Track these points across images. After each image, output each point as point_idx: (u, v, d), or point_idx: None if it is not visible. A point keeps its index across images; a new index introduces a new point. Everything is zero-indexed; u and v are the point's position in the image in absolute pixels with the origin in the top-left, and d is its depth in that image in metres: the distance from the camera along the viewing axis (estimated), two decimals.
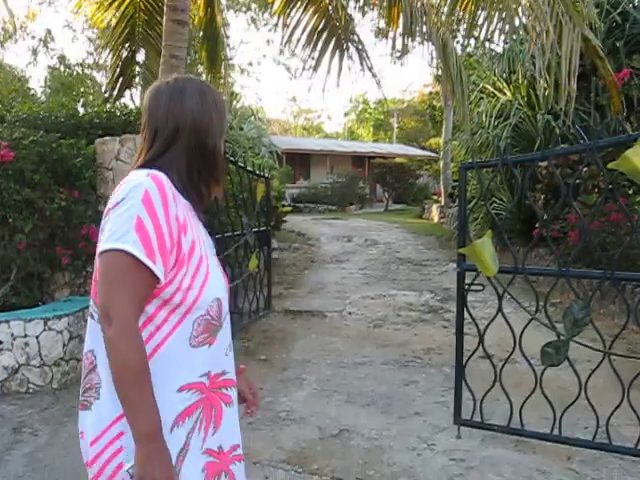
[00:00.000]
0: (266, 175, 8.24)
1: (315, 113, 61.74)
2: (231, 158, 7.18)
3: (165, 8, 6.41)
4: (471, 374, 4.57)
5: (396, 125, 46.94)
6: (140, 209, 1.51)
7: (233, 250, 7.08)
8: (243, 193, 7.53)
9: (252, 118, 20.87)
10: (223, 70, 9.65)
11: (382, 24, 8.59)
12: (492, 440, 4.32)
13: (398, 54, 26.14)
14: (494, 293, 4.23)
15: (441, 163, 21.53)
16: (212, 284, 1.65)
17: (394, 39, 8.12)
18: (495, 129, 11.02)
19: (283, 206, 23.12)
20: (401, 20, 7.47)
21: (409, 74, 79.11)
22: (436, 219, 21.02)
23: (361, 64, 7.86)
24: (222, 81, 9.80)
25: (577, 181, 9.78)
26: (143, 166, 1.66)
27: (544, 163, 10.11)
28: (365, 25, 47.74)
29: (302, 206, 27.68)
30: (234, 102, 20.82)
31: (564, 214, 9.72)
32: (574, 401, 3.93)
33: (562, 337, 3.84)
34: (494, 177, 5.22)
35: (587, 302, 3.81)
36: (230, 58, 30.49)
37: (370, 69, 7.84)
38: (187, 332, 1.60)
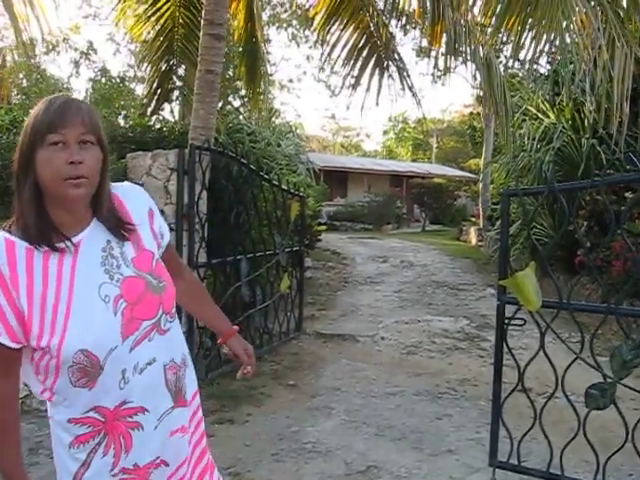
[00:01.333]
0: (301, 194, 8.07)
1: (354, 131, 61.65)
2: (265, 176, 7.03)
3: (202, 22, 6.31)
4: (508, 409, 4.32)
5: (435, 145, 46.67)
6: None
7: (265, 270, 6.91)
8: (277, 211, 7.36)
9: (290, 135, 20.81)
10: (263, 85, 9.55)
11: (424, 42, 8.41)
12: None
13: (439, 74, 25.97)
14: (533, 321, 3.97)
15: (480, 185, 21.18)
16: (73, 337, 1.58)
17: (436, 58, 7.94)
18: (538, 152, 10.73)
19: (319, 224, 23.02)
20: (444, 39, 7.29)
21: (449, 94, 78.83)
22: (474, 242, 20.66)
23: (401, 83, 7.70)
24: (262, 97, 9.71)
25: (622, 208, 9.46)
26: None
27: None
28: (406, 44, 47.68)
29: (338, 224, 27.51)
30: (273, 118, 20.78)
31: (607, 243, 9.39)
32: (620, 448, 3.65)
33: (608, 379, 3.58)
34: (539, 205, 4.96)
35: (638, 343, 3.55)
36: (271, 74, 30.58)
37: (410, 88, 7.67)
38: (66, 377, 1.62)
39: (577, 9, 5.12)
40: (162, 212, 5.45)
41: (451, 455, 4.53)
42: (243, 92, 10.37)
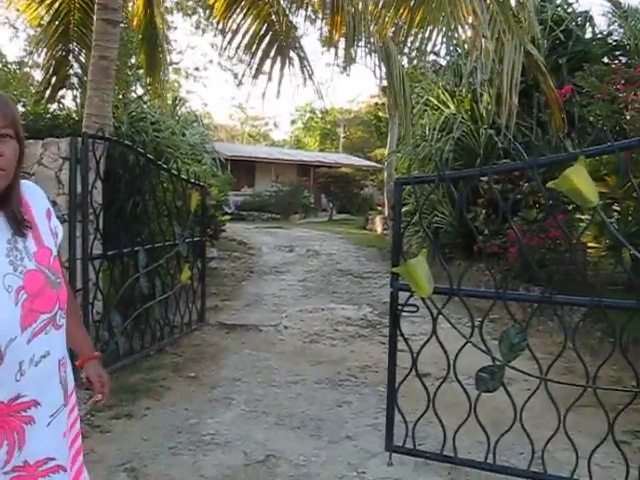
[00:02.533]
0: (202, 183, 7.95)
1: (262, 120, 61.31)
2: (164, 165, 6.89)
3: (96, 6, 6.11)
4: (406, 394, 4.42)
5: (343, 135, 47.01)
6: None
7: (164, 261, 6.79)
8: (176, 201, 7.24)
9: (196, 124, 20.52)
10: (163, 73, 9.35)
11: (327, 32, 8.42)
12: (425, 467, 4.14)
13: (344, 64, 26.15)
14: (426, 307, 4.04)
15: (385, 174, 21.48)
16: None
17: (336, 48, 7.98)
18: (438, 142, 10.96)
19: (225, 214, 22.83)
20: (344, 30, 7.32)
21: (357, 85, 79.52)
22: (379, 230, 20.95)
23: (302, 72, 7.68)
24: (162, 84, 9.53)
25: (518, 196, 9.77)
26: None
27: (484, 178, 10.08)
28: (312, 34, 47.79)
29: (246, 214, 27.40)
30: (178, 107, 20.44)
31: (505, 229, 9.69)
32: (509, 429, 3.77)
33: (497, 362, 3.69)
34: (431, 192, 5.07)
35: (524, 326, 3.67)
36: (177, 62, 30.05)
37: (310, 77, 7.66)
38: None
39: (463, 2, 5.23)
40: (54, 203, 5.30)
41: (350, 441, 4.57)
42: (148, 80, 10.07)
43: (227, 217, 14.97)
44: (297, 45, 7.81)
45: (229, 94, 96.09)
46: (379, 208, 25.15)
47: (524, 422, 3.70)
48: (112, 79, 6.08)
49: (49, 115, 6.97)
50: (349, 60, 7.51)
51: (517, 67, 5.87)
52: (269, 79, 8.28)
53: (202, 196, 7.82)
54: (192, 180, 7.66)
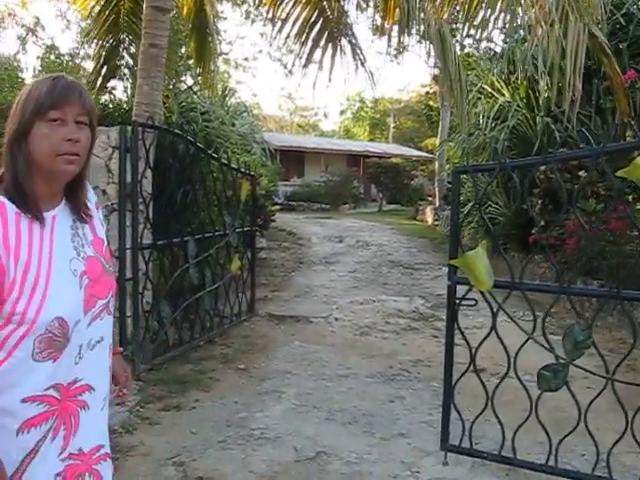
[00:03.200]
0: (252, 173, 7.86)
1: (312, 111, 61.25)
2: (214, 154, 6.81)
3: None
4: (461, 390, 4.25)
5: (392, 125, 46.61)
6: None
7: (214, 251, 6.72)
8: (226, 191, 7.16)
9: (245, 114, 20.50)
10: (213, 62, 9.28)
11: (379, 20, 8.24)
12: (482, 468, 3.97)
13: (395, 52, 25.84)
14: (485, 301, 3.86)
15: (436, 164, 21.18)
16: (52, 304, 1.61)
17: (389, 34, 7.79)
18: (492, 131, 10.68)
19: (274, 204, 22.78)
20: (397, 14, 7.13)
21: (407, 73, 78.75)
22: (430, 221, 20.67)
23: (354, 59, 7.51)
24: (212, 74, 9.46)
25: (576, 186, 9.46)
26: None
27: (541, 168, 9.78)
28: (362, 22, 47.40)
29: (295, 204, 27.34)
30: (228, 97, 20.45)
31: (562, 220, 9.39)
32: (572, 430, 3.58)
33: (561, 360, 3.50)
34: (491, 182, 4.86)
35: (589, 323, 3.47)
36: (226, 53, 30.11)
37: (363, 64, 7.48)
38: (29, 349, 1.60)
39: None
40: (104, 192, 5.26)
41: (403, 439, 4.43)
42: (198, 70, 10.03)
43: (277, 207, 14.89)
44: (349, 32, 7.64)
45: (278, 84, 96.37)
46: (429, 199, 24.87)
47: (588, 423, 3.51)
48: (162, 67, 6.01)
49: (99, 105, 6.93)
50: (401, 47, 7.33)
51: (581, 48, 5.60)
52: (319, 68, 8.15)
53: (252, 186, 7.73)
54: (242, 170, 7.56)
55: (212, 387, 5.36)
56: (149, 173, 5.62)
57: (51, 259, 1.65)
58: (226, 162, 7.05)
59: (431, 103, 27.71)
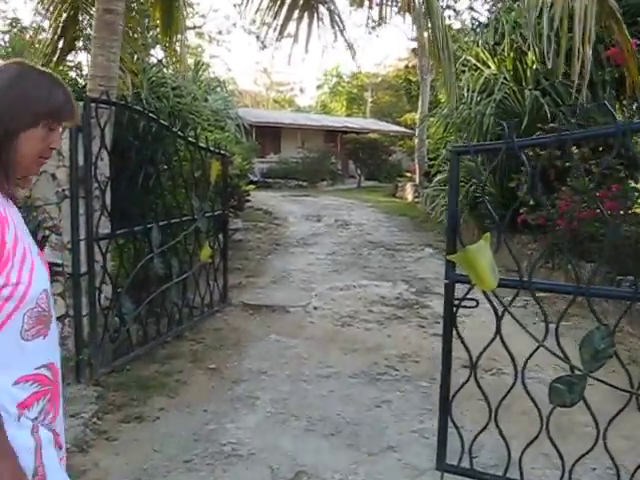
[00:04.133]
0: (222, 152, 7.27)
1: (288, 86, 60.34)
2: (180, 132, 6.21)
3: None
4: (453, 389, 3.75)
5: (370, 100, 45.93)
6: None
7: (182, 238, 6.15)
8: (194, 172, 6.59)
9: (219, 89, 19.80)
10: (180, 35, 8.62)
11: None
12: None
13: (374, 24, 25.17)
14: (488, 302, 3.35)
15: (416, 140, 20.63)
16: (39, 275, 1.59)
17: (370, 2, 7.22)
18: (478, 105, 10.14)
19: (250, 182, 22.13)
20: None
21: (384, 47, 77.81)
22: (410, 198, 20.17)
23: (332, 27, 6.91)
24: (178, 45, 8.82)
25: (566, 164, 8.99)
26: None
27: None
28: None
29: (272, 181, 26.76)
30: (201, 72, 19.75)
31: (552, 199, 8.93)
32: (589, 451, 3.09)
33: (577, 371, 3.01)
34: (497, 162, 4.27)
35: (611, 330, 2.97)
36: (199, 26, 29.27)
37: (342, 32, 6.89)
38: (17, 326, 1.54)
39: None
40: (53, 177, 4.66)
41: (392, 453, 3.93)
42: (165, 43, 9.38)
43: (252, 187, 14.29)
44: None
45: (254, 58, 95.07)
46: (409, 175, 24.33)
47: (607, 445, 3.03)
48: (119, 36, 5.37)
49: (68, 81, 6.31)
50: (382, 19, 6.77)
51: (590, 14, 5.05)
52: (295, 40, 7.58)
53: (223, 165, 7.15)
54: (212, 148, 6.97)
55: (179, 392, 4.82)
56: (105, 154, 4.99)
57: (28, 237, 1.64)
58: (193, 140, 6.45)
59: (410, 77, 27.08)
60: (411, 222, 15.35)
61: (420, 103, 19.92)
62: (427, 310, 7.41)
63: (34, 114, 1.58)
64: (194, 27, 28.66)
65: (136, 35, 11.87)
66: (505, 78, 10.03)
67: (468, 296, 3.34)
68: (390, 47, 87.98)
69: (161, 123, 5.74)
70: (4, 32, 17.22)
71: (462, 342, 3.37)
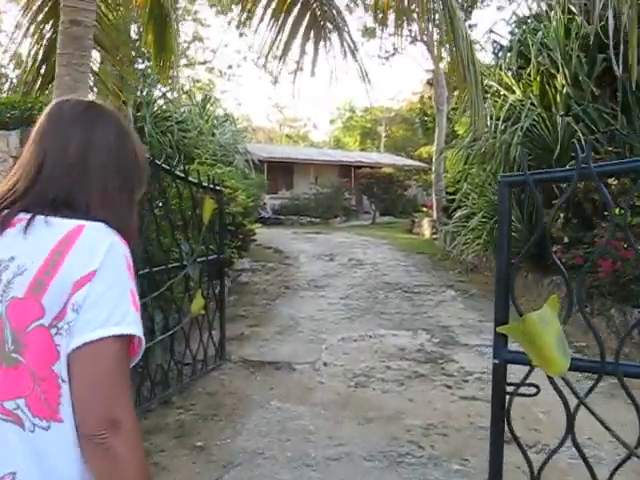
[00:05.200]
0: (217, 187, 6.41)
1: (301, 122, 60.12)
2: (165, 166, 5.34)
3: None
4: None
5: (384, 134, 45.32)
6: (129, 280, 1.33)
7: (167, 288, 5.27)
8: (184, 211, 5.73)
9: (227, 123, 19.13)
10: (173, 59, 7.85)
11: (369, 22, 6.86)
12: None
13: (387, 54, 24.53)
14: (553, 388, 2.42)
15: (433, 174, 19.79)
16: None
17: (383, 22, 6.45)
18: (503, 134, 9.27)
19: (260, 219, 21.35)
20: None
21: (397, 82, 77.62)
22: (427, 234, 19.26)
23: (341, 45, 6.09)
24: (173, 73, 8.05)
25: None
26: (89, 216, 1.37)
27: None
28: (351, 23, 46.28)
29: (284, 218, 26.01)
30: (208, 106, 19.12)
31: (591, 237, 8.02)
32: None
33: None
34: (569, 194, 3.34)
35: None
36: (209, 61, 28.81)
37: (352, 51, 6.06)
38: None
39: None
40: None
41: None
42: (157, 68, 8.65)
43: (257, 225, 13.46)
44: (334, 13, 6.22)
45: (265, 94, 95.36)
46: (425, 210, 23.46)
47: None
48: (88, 52, 4.56)
49: (24, 105, 5.54)
50: (395, 48, 5.94)
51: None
52: (298, 68, 6.82)
53: (219, 203, 6.28)
54: (204, 184, 6.12)
55: None
56: None
57: None
58: (182, 175, 5.60)
59: (425, 109, 26.35)
60: (429, 261, 14.43)
61: (436, 135, 19.12)
62: (453, 366, 6.48)
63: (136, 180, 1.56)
64: (204, 62, 28.28)
65: (132, 66, 11.18)
66: (532, 104, 9.18)
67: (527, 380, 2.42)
68: (403, 82, 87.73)
69: None
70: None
71: (520, 447, 2.43)
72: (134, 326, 1.29)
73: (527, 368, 2.35)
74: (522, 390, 2.43)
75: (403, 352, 6.98)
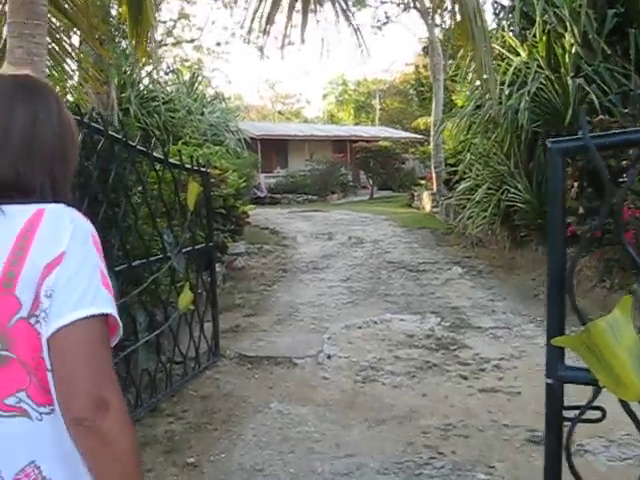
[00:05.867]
0: (204, 169, 5.85)
1: (294, 98, 59.30)
2: (142, 147, 4.76)
3: None
4: None
5: (378, 107, 44.56)
6: (97, 258, 1.29)
7: (151, 283, 4.73)
8: (164, 197, 5.17)
9: (216, 101, 18.53)
10: (150, 33, 7.27)
11: None
12: None
13: (379, 23, 23.83)
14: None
15: (431, 145, 19.18)
16: None
17: None
18: (509, 99, 8.68)
19: (257, 198, 20.81)
20: None
21: (390, 53, 76.69)
22: (428, 208, 18.68)
23: (333, 5, 5.48)
24: (151, 48, 7.51)
25: (623, 163, 7.54)
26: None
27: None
28: None
29: (280, 197, 25.45)
30: (196, 84, 18.52)
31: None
32: None
33: None
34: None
35: None
36: (196, 38, 28.07)
37: (344, 12, 5.46)
38: None
39: None
40: None
41: None
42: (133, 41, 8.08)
43: (252, 207, 12.91)
44: None
45: (256, 71, 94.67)
46: (423, 182, 22.88)
47: None
48: (43, 20, 3.96)
49: None
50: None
51: None
52: (286, 35, 6.24)
53: (205, 186, 5.72)
54: (188, 165, 5.55)
55: None
56: None
57: None
58: (161, 157, 5.02)
59: (422, 79, 25.66)
60: (432, 235, 13.88)
61: (433, 106, 18.45)
62: (467, 352, 5.98)
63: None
64: (192, 40, 27.53)
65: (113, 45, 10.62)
66: (539, 66, 8.58)
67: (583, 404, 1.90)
68: (396, 53, 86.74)
69: (112, 135, 4.33)
70: None
71: (572, 470, 1.90)
72: (107, 305, 1.25)
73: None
74: (584, 417, 1.91)
75: (412, 339, 6.47)
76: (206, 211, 5.91)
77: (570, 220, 7.84)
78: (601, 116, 7.44)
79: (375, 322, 7.11)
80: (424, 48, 20.90)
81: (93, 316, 1.20)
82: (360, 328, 6.91)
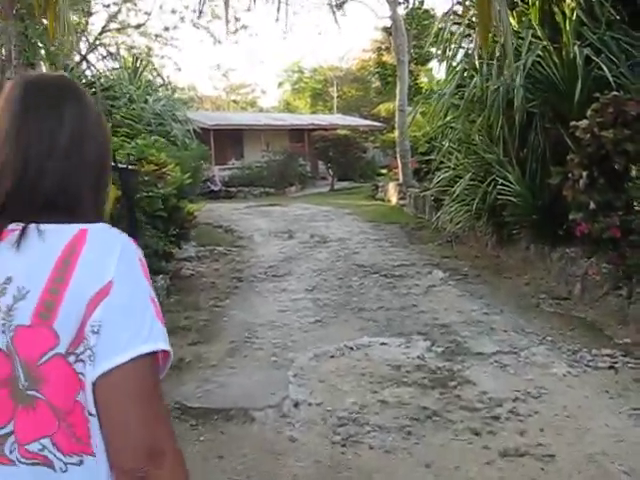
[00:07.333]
0: (127, 166, 4.44)
1: (248, 87, 57.67)
2: None
3: None
4: None
5: (336, 95, 43.28)
6: (148, 286, 1.17)
7: None
8: None
9: (162, 88, 17.03)
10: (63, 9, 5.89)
11: None
12: None
13: (337, 1, 22.45)
14: None
15: (396, 132, 17.90)
16: None
17: None
18: (500, 75, 7.40)
19: (211, 192, 19.34)
20: None
21: (347, 41, 75.49)
22: (394, 200, 17.43)
23: None
24: (63, 28, 6.13)
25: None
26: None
27: (583, 122, 6.62)
28: None
29: (235, 190, 24.04)
30: (141, 70, 17.03)
31: (623, 200, 6.30)
32: None
33: None
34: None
35: None
36: (142, 24, 26.40)
37: None
38: None
39: None
40: None
41: None
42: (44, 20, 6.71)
43: (199, 205, 11.49)
44: None
45: (207, 59, 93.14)
46: (385, 172, 21.62)
47: None
48: None
49: None
50: None
51: None
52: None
53: (126, 185, 4.31)
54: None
55: None
56: None
57: None
58: None
59: (384, 60, 24.38)
60: (403, 232, 12.63)
61: (398, 89, 17.15)
62: (471, 390, 4.71)
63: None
64: (138, 26, 25.84)
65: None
66: (534, 35, 7.31)
67: None
68: (353, 39, 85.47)
69: None
70: None
71: None
72: (162, 340, 1.12)
73: None
74: None
75: (399, 372, 5.17)
76: (129, 219, 4.50)
77: (577, 216, 6.66)
78: (614, 92, 6.23)
79: (351, 348, 5.78)
80: (385, 28, 19.59)
81: (149, 353, 1.08)
82: (333, 357, 5.58)
